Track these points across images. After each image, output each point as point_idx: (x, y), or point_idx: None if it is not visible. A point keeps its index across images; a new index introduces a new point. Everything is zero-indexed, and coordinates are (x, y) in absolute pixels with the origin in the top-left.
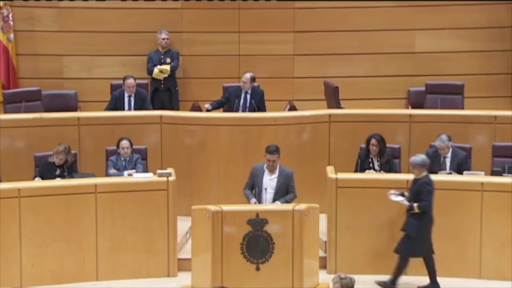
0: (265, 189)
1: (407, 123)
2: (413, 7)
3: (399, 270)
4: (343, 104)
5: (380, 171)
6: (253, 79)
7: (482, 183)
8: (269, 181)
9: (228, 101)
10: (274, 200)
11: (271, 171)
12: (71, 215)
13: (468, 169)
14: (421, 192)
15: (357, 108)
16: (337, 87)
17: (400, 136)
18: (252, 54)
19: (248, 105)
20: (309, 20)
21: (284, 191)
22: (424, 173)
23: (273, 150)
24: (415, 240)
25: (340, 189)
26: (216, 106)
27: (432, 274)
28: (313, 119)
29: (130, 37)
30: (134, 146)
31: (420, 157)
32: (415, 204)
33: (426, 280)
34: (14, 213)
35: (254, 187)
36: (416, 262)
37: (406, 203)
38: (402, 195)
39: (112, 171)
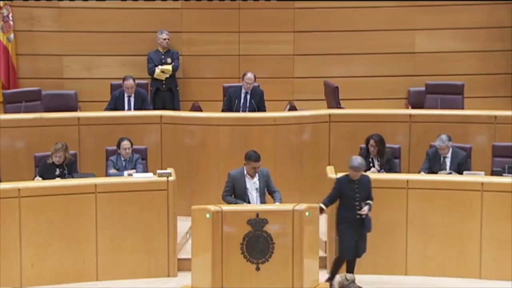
0: (256, 189)
1: (407, 123)
2: (413, 7)
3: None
4: (343, 104)
5: (380, 171)
6: (255, 78)
7: (482, 183)
8: (252, 185)
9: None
10: (261, 202)
11: (252, 176)
12: (71, 215)
13: (468, 169)
14: (370, 189)
15: (357, 108)
16: (337, 87)
17: (400, 136)
18: (252, 54)
19: (248, 105)
20: (309, 20)
21: (265, 191)
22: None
23: (258, 157)
24: None
25: None
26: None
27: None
28: (313, 119)
29: (130, 37)
30: (134, 146)
31: (360, 158)
32: (371, 202)
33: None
34: (14, 213)
35: (234, 193)
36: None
37: (369, 206)
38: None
39: (112, 171)
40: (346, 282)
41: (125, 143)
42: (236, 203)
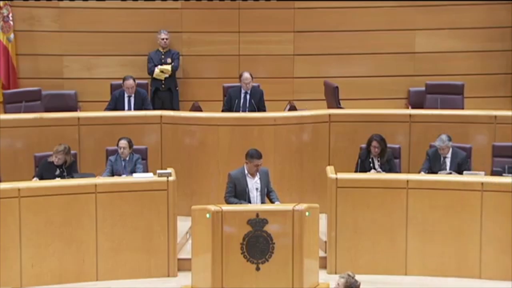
0: (257, 188)
1: (407, 123)
2: (413, 7)
3: None
4: (343, 104)
5: (380, 171)
6: (252, 77)
7: (482, 183)
8: (254, 184)
9: None
10: (261, 201)
11: (253, 175)
12: (71, 215)
13: (468, 169)
14: None
15: (357, 108)
16: (337, 87)
17: (400, 136)
18: (252, 54)
19: (248, 105)
20: (309, 20)
21: (265, 190)
22: None
23: (260, 155)
24: None
25: (340, 189)
26: None
27: None
28: (313, 119)
29: (130, 37)
30: (134, 146)
31: None
32: None
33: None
34: (14, 213)
35: (235, 194)
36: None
37: None
38: None
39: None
40: (352, 280)
41: (122, 143)
42: (240, 204)
